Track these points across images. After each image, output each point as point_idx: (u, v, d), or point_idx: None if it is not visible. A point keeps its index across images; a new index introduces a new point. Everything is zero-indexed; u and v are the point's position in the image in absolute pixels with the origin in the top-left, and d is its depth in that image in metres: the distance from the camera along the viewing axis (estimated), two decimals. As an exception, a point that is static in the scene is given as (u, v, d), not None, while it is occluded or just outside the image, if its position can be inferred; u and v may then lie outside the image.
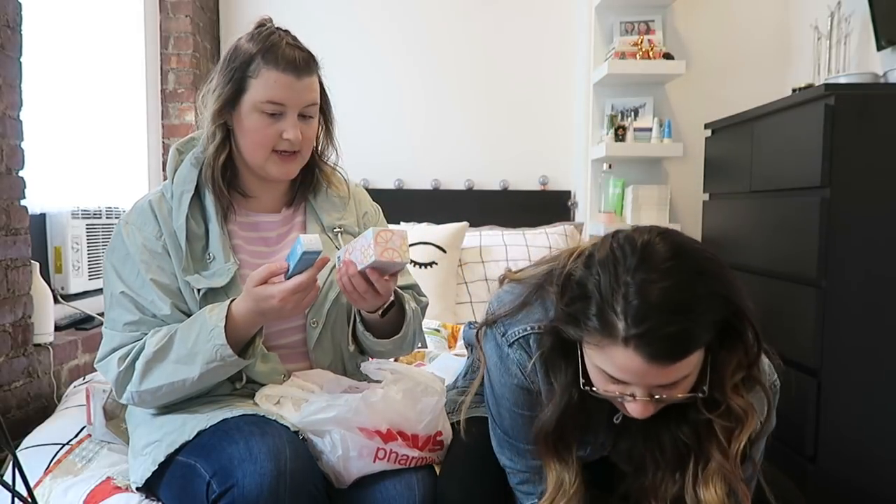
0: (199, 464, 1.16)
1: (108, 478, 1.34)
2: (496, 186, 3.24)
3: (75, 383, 1.89)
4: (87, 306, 2.23)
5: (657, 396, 0.98)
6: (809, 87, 2.19)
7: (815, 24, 2.62)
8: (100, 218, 2.35)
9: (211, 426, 1.21)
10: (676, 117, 3.03)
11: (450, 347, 2.38)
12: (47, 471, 1.41)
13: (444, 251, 2.72)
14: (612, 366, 0.96)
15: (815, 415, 1.84)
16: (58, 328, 2.05)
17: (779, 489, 1.14)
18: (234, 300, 1.25)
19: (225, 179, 1.34)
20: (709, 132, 2.64)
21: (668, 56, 2.86)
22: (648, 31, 2.94)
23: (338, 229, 1.43)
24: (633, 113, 3.00)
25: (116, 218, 2.42)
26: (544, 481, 1.15)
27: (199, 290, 1.29)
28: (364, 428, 1.20)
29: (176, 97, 3.00)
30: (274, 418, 1.22)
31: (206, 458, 1.16)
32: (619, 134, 2.89)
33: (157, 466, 1.22)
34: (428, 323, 2.34)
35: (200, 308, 1.27)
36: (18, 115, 1.80)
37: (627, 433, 1.13)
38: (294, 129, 1.30)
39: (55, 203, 2.15)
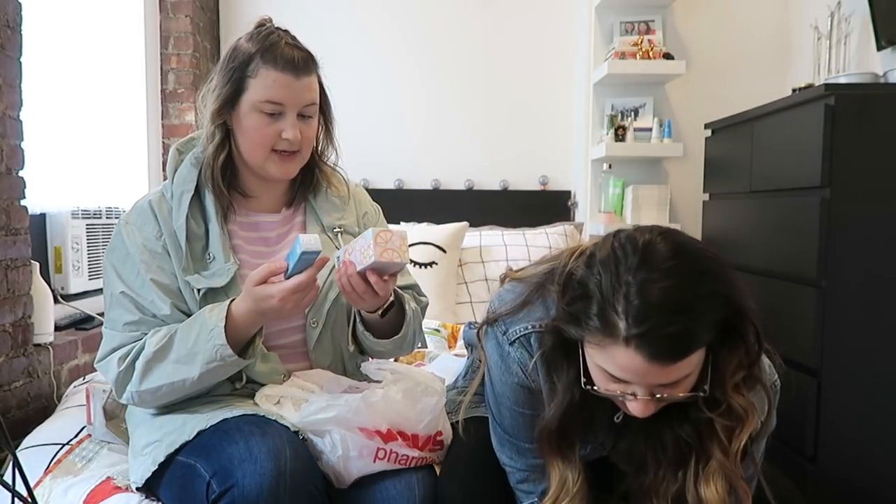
0: (199, 464, 1.16)
1: (108, 478, 1.34)
2: (496, 186, 3.24)
3: (75, 383, 1.89)
4: (87, 306, 2.23)
5: (658, 395, 0.98)
6: (809, 87, 2.19)
7: (815, 24, 2.62)
8: (100, 218, 2.35)
9: (211, 426, 1.21)
10: (676, 117, 3.03)
11: (450, 347, 2.38)
12: (47, 471, 1.41)
13: (444, 251, 2.72)
14: (613, 365, 0.96)
15: (815, 415, 1.84)
16: (58, 328, 2.05)
17: (779, 489, 1.15)
18: (233, 300, 1.25)
19: (225, 179, 1.34)
20: (709, 132, 2.64)
21: (668, 56, 2.86)
22: (648, 31, 2.94)
23: (338, 229, 1.43)
24: (633, 113, 3.00)
25: (116, 218, 2.42)
26: (544, 480, 1.16)
27: (199, 290, 1.29)
28: (364, 428, 1.20)
29: (176, 97, 3.00)
30: (274, 418, 1.22)
31: (206, 458, 1.16)
32: (619, 134, 2.89)
33: (157, 466, 1.22)
34: (428, 323, 2.34)
35: (200, 308, 1.27)
36: (18, 115, 1.80)
37: (628, 432, 1.13)
38: (293, 129, 1.30)
39: (55, 203, 2.15)
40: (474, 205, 3.17)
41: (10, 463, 0.95)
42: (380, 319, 1.34)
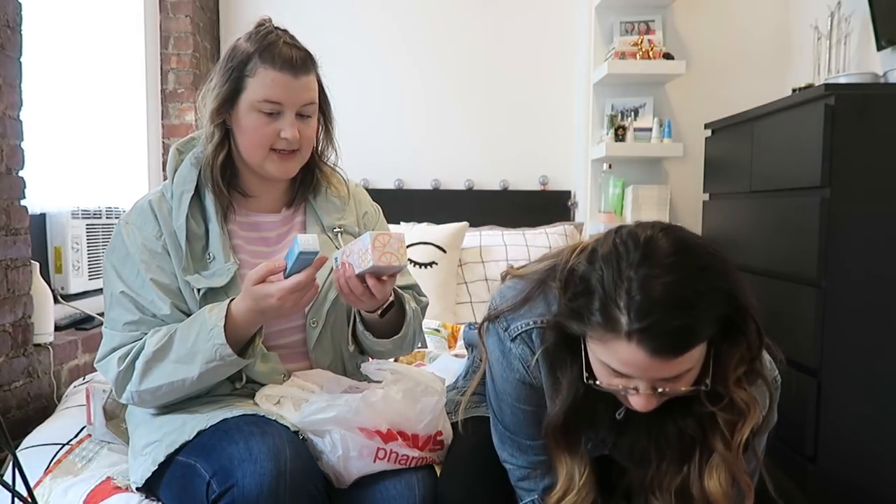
0: (199, 464, 1.16)
1: (108, 478, 1.34)
2: (496, 186, 3.24)
3: (75, 383, 1.89)
4: (87, 306, 2.23)
5: (660, 390, 0.99)
6: (809, 87, 2.19)
7: (815, 24, 2.62)
8: (100, 218, 2.35)
9: (211, 426, 1.21)
10: (676, 117, 3.03)
11: (450, 347, 2.38)
12: (47, 471, 1.41)
13: (444, 251, 2.72)
14: (615, 360, 0.97)
15: (815, 415, 1.84)
16: (58, 328, 2.05)
17: (779, 489, 1.15)
18: (233, 299, 1.25)
19: (225, 179, 1.34)
20: (709, 132, 2.64)
21: (668, 56, 2.86)
22: (648, 31, 2.94)
23: (338, 229, 1.43)
24: (633, 113, 3.00)
25: (116, 218, 2.42)
26: (545, 477, 1.16)
27: (198, 290, 1.29)
28: (364, 428, 1.20)
29: (176, 97, 3.00)
30: (274, 418, 1.22)
31: (206, 458, 1.16)
32: (619, 134, 2.89)
33: (157, 466, 1.22)
34: (428, 323, 2.34)
35: (200, 308, 1.27)
36: (18, 115, 1.80)
37: (630, 428, 1.13)
38: (291, 129, 1.30)
39: (55, 203, 2.15)
40: (474, 205, 3.17)
41: (10, 463, 0.95)
42: (379, 319, 1.34)
